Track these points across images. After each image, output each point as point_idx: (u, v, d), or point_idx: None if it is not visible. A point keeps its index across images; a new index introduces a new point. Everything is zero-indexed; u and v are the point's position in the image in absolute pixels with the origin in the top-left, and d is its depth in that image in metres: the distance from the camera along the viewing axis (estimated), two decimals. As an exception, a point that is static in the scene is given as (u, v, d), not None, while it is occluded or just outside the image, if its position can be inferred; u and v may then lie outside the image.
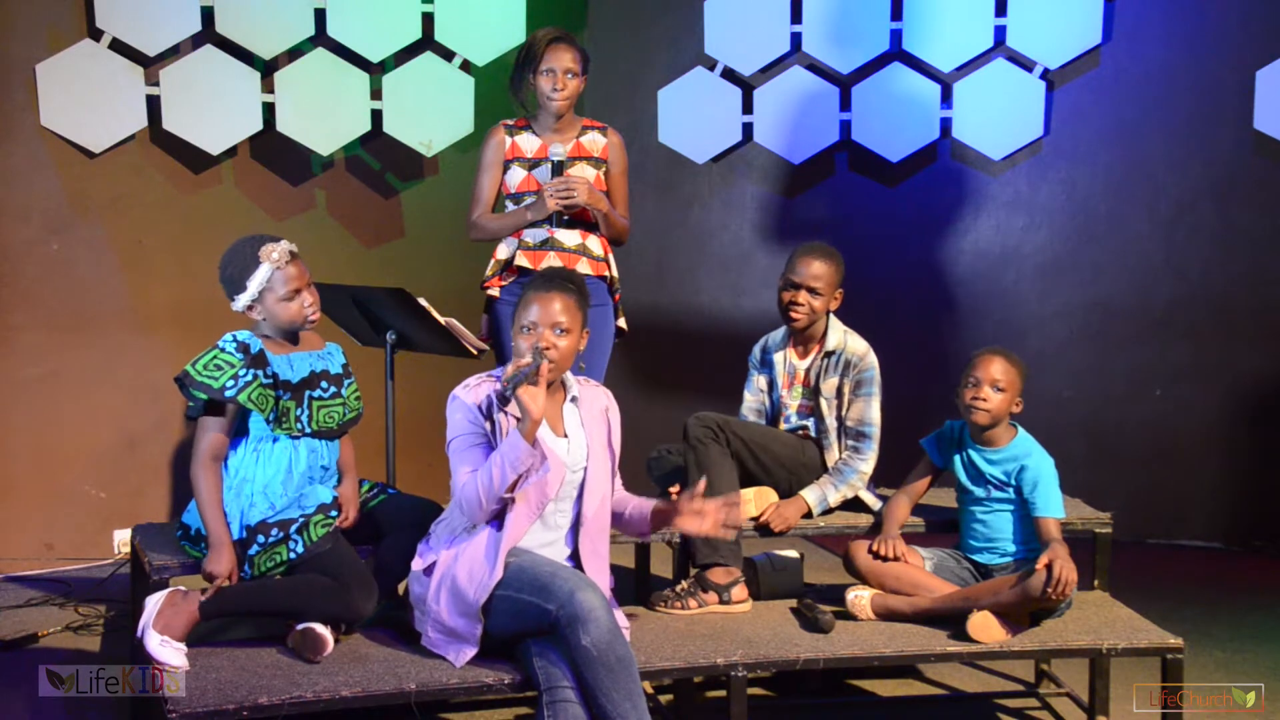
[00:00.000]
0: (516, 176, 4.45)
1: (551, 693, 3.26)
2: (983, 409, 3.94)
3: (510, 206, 4.48)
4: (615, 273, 4.52)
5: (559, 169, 4.38)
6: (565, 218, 4.40)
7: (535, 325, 3.46)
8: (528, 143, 4.46)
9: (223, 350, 3.58)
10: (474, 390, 3.51)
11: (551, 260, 4.34)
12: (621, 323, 4.58)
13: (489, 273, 4.47)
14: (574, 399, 3.60)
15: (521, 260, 4.39)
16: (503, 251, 4.45)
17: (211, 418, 3.58)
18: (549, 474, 3.43)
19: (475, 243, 4.59)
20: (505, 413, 3.46)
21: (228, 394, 3.53)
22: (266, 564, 3.56)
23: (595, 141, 4.49)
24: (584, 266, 4.41)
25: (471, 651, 3.42)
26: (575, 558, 3.58)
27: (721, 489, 4.01)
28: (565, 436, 3.56)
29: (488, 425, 3.47)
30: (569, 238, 4.42)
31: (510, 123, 4.50)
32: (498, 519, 3.45)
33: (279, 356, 3.65)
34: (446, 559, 3.48)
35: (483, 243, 4.54)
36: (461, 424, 3.49)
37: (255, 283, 3.60)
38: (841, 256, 4.27)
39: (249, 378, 3.55)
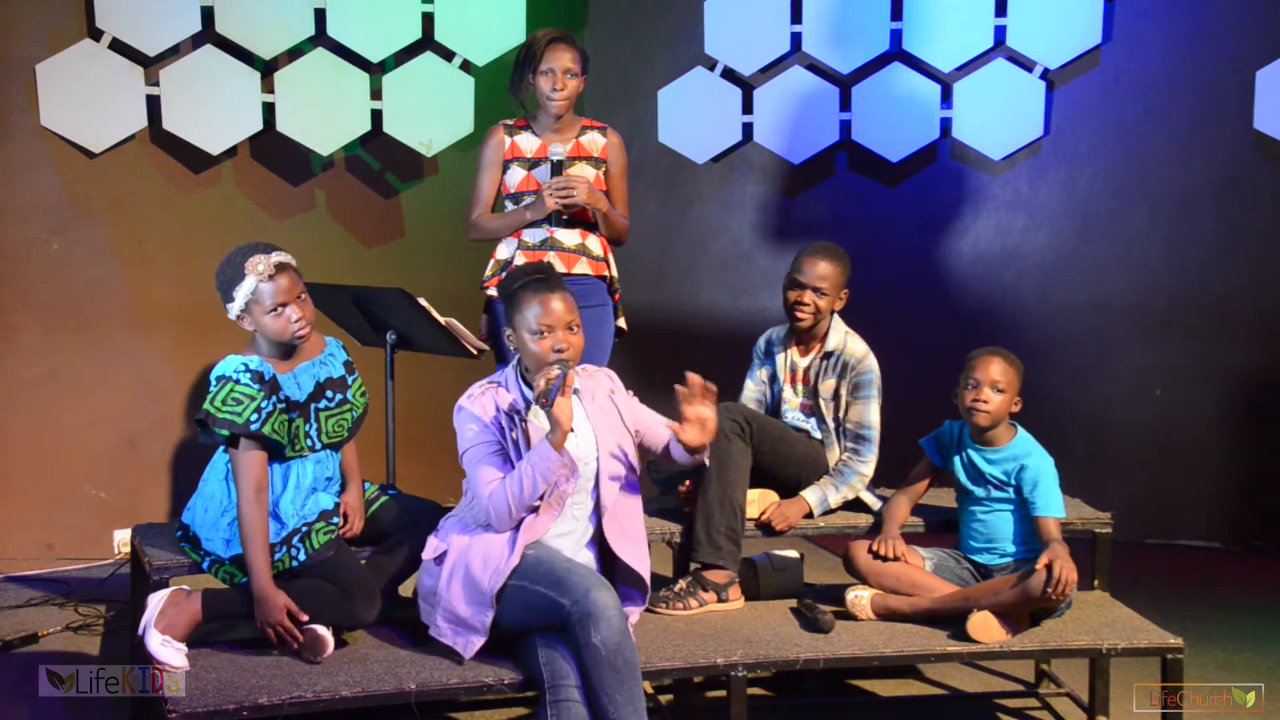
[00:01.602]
0: (516, 176, 4.45)
1: (555, 690, 3.27)
2: (984, 410, 3.94)
3: (510, 206, 4.48)
4: (615, 272, 4.52)
5: (558, 169, 4.38)
6: (565, 217, 4.40)
7: (551, 328, 3.47)
8: (527, 142, 4.46)
9: (238, 382, 3.50)
10: (479, 400, 3.52)
11: (551, 260, 4.33)
12: (621, 323, 4.58)
13: (489, 272, 4.47)
14: (576, 392, 3.61)
15: (521, 260, 4.38)
16: (502, 251, 4.45)
17: (247, 453, 3.50)
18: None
19: (474, 243, 4.59)
20: (529, 422, 3.47)
21: (253, 428, 3.48)
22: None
23: (595, 141, 4.49)
24: (583, 266, 4.41)
25: (480, 641, 3.41)
26: (601, 544, 3.58)
27: (734, 487, 4.02)
28: (572, 432, 3.56)
29: (508, 434, 3.47)
30: (568, 237, 4.42)
31: (510, 122, 4.50)
32: None
33: (285, 376, 3.61)
34: (459, 546, 3.48)
35: (482, 243, 4.54)
36: (474, 434, 3.49)
37: (241, 294, 3.52)
38: (847, 256, 4.28)
39: (269, 408, 3.51)
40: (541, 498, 3.40)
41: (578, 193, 4.32)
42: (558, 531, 3.54)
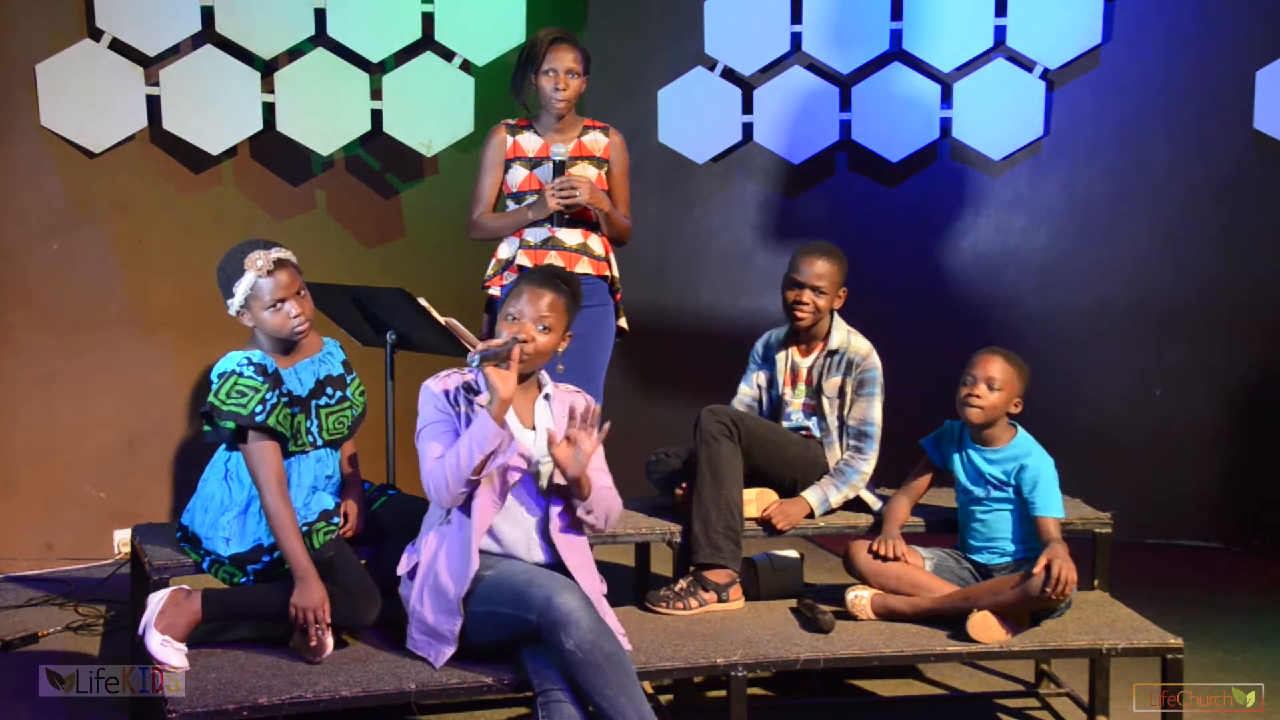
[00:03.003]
0: (518, 176, 4.45)
1: (545, 694, 3.28)
2: (976, 406, 3.94)
3: (511, 206, 4.49)
4: (616, 272, 4.52)
5: (561, 168, 4.38)
6: (566, 217, 4.40)
7: (520, 315, 3.49)
8: (529, 142, 4.46)
9: (241, 375, 3.49)
10: (443, 380, 3.55)
11: (553, 260, 4.35)
12: (622, 323, 4.59)
13: (490, 272, 4.48)
14: (546, 396, 3.62)
15: (523, 260, 4.39)
16: (504, 251, 4.46)
17: (258, 445, 3.49)
18: (513, 458, 3.44)
19: (476, 242, 4.59)
20: (474, 400, 3.49)
21: (259, 419, 3.47)
22: (273, 573, 3.55)
23: (597, 141, 4.50)
24: (585, 266, 4.41)
25: (449, 651, 3.41)
26: (554, 555, 3.57)
27: (729, 487, 4.02)
28: (534, 429, 3.57)
29: (461, 411, 3.49)
30: (570, 237, 4.42)
31: (512, 122, 4.51)
32: (464, 509, 3.46)
33: (286, 371, 3.61)
34: (427, 559, 3.50)
35: (483, 242, 4.55)
36: (430, 413, 3.52)
37: (241, 290, 3.53)
38: (844, 255, 4.28)
39: (274, 400, 3.50)
40: (478, 471, 3.39)
41: (580, 193, 4.32)
42: (518, 538, 3.52)
